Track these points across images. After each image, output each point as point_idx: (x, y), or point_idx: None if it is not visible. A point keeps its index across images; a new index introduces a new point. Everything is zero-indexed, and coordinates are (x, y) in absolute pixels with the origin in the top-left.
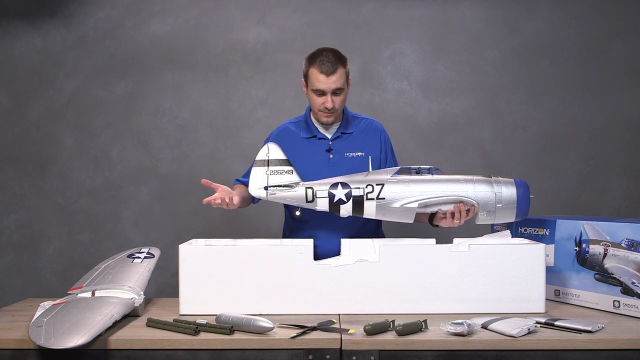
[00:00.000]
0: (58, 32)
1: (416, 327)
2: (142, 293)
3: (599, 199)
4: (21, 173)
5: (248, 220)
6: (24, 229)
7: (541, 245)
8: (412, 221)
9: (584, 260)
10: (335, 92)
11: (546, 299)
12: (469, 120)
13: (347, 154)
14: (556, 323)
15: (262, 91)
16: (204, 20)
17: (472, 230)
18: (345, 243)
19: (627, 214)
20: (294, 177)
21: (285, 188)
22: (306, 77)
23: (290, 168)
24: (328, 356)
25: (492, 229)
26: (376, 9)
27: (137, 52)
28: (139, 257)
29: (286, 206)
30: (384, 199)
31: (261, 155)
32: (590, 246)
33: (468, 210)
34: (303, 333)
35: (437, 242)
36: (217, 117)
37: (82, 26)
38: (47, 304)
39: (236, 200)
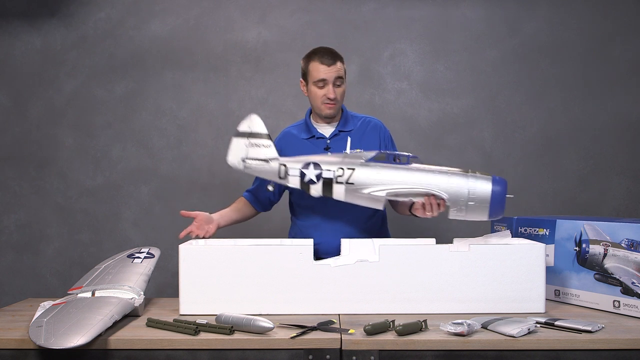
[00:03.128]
0: (58, 32)
1: (416, 327)
2: (142, 293)
3: (599, 199)
4: (21, 173)
5: (248, 220)
6: (24, 229)
7: (541, 245)
8: (382, 208)
9: (584, 260)
10: (336, 83)
11: (546, 299)
12: (469, 120)
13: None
14: (556, 323)
15: (262, 91)
16: (204, 20)
17: (472, 230)
18: (345, 243)
19: (627, 214)
20: (271, 152)
21: (261, 162)
22: (305, 74)
23: (269, 142)
24: (328, 356)
25: (492, 229)
26: (376, 9)
27: (137, 52)
28: (139, 257)
29: (291, 208)
30: (353, 184)
31: (243, 126)
32: (590, 246)
33: (439, 204)
34: (303, 333)
35: (437, 242)
36: (217, 117)
37: (82, 26)
38: (47, 304)
39: (213, 228)
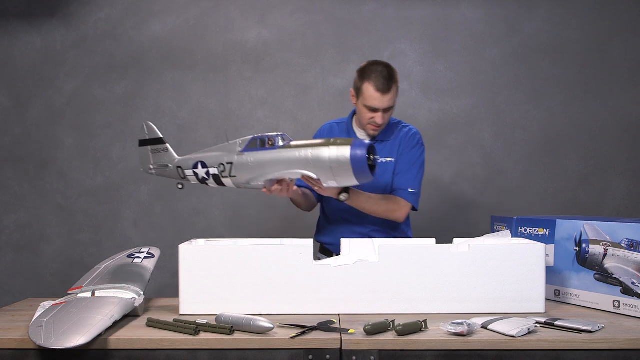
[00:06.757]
0: (58, 32)
1: (416, 327)
2: (142, 293)
3: (599, 199)
4: (21, 173)
5: (248, 220)
6: (24, 229)
7: (541, 245)
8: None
9: (584, 260)
10: (386, 110)
11: (546, 299)
12: (469, 120)
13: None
14: (556, 323)
15: (262, 91)
16: (204, 20)
17: (472, 230)
18: (345, 243)
19: (627, 214)
20: (169, 156)
21: (162, 167)
22: (358, 90)
23: (165, 146)
24: (328, 356)
25: (492, 229)
26: (376, 9)
27: (137, 52)
28: (139, 257)
29: (321, 203)
30: (235, 176)
31: (142, 135)
32: (590, 246)
33: (289, 185)
34: (303, 333)
35: (437, 242)
36: (217, 117)
37: (82, 26)
38: (47, 304)
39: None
